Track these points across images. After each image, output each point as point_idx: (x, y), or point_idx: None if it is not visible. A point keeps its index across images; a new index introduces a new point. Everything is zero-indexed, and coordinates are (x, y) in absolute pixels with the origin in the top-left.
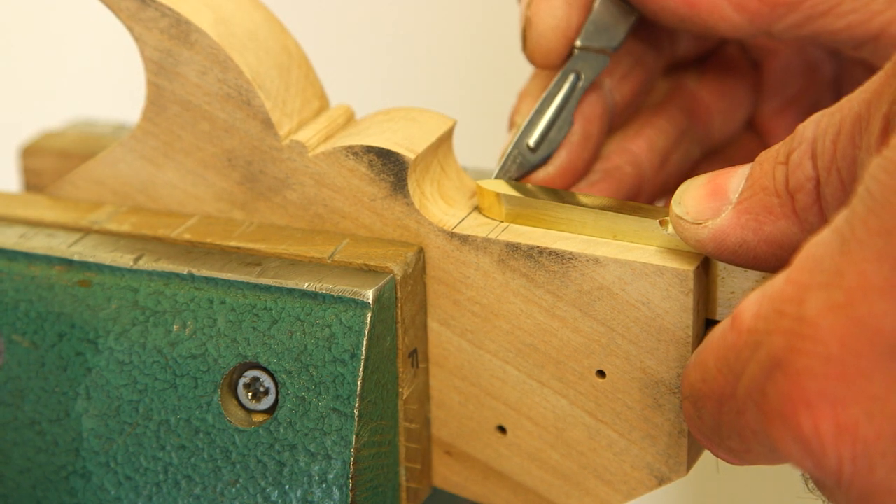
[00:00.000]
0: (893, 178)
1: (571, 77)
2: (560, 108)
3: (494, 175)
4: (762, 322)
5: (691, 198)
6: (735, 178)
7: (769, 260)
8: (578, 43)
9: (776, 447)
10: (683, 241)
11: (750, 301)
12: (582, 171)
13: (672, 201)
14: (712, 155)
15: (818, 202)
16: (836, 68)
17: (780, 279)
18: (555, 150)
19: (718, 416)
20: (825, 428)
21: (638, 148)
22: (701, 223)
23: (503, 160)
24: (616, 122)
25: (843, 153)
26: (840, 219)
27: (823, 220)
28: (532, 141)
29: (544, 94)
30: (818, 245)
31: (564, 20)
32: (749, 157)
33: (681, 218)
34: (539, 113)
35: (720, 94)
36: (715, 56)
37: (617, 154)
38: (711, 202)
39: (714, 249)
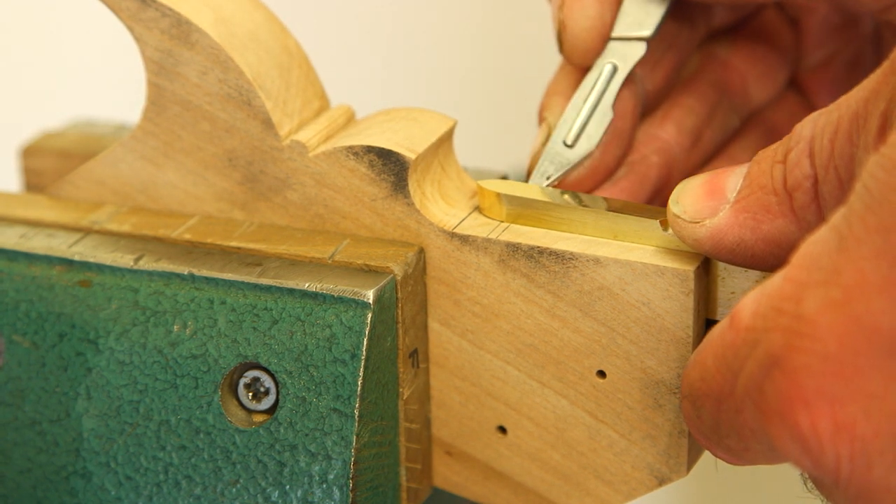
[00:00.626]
0: (891, 176)
1: (607, 68)
2: (596, 101)
3: (530, 176)
4: (760, 320)
5: (689, 197)
6: (733, 178)
7: (767, 259)
8: (613, 33)
9: (774, 445)
10: (681, 240)
11: (748, 299)
12: (614, 168)
13: (670, 200)
14: (753, 119)
15: (816, 200)
16: (875, 23)
17: (778, 277)
18: (595, 144)
19: (717, 414)
20: (823, 426)
21: (666, 133)
22: (699, 222)
23: (540, 159)
24: (647, 108)
25: (840, 151)
26: (838, 216)
27: (821, 218)
28: (569, 138)
29: (579, 88)
30: (816, 243)
31: (598, 19)
32: (792, 117)
33: (678, 217)
34: (574, 107)
35: (754, 59)
36: (748, 21)
37: (644, 143)
38: (709, 201)
39: (712, 248)
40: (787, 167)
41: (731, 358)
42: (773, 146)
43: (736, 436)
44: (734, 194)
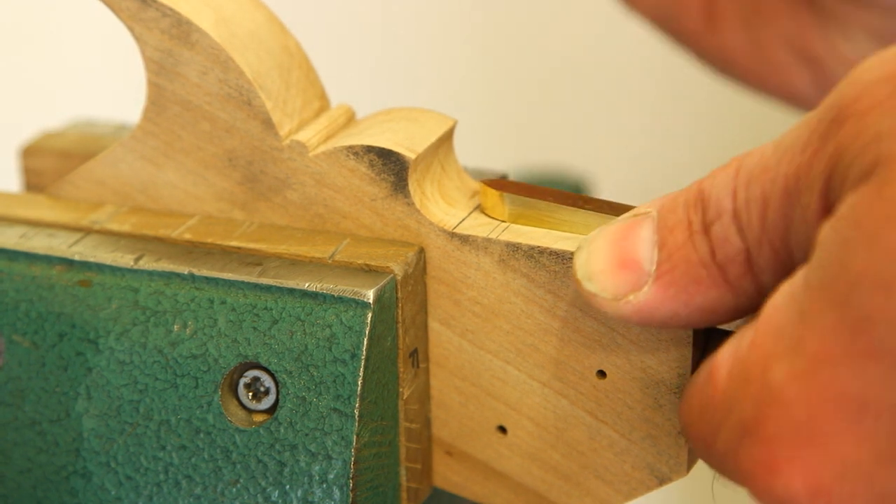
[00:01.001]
0: (843, 252)
1: None
2: None
3: None
4: (733, 384)
5: (601, 273)
6: (642, 246)
7: (702, 324)
8: None
9: (756, 499)
10: (603, 315)
11: (724, 358)
12: None
13: (579, 276)
14: None
15: (751, 271)
16: None
17: (747, 340)
18: None
19: (707, 457)
20: (798, 491)
21: None
22: (621, 299)
23: None
24: None
25: (773, 225)
26: (797, 287)
27: (758, 285)
28: None
29: None
30: (779, 309)
31: None
32: None
33: (597, 296)
34: None
35: None
36: None
37: None
38: (626, 275)
39: (640, 322)
40: (713, 241)
41: (711, 415)
42: (679, 211)
43: (726, 475)
44: (653, 266)
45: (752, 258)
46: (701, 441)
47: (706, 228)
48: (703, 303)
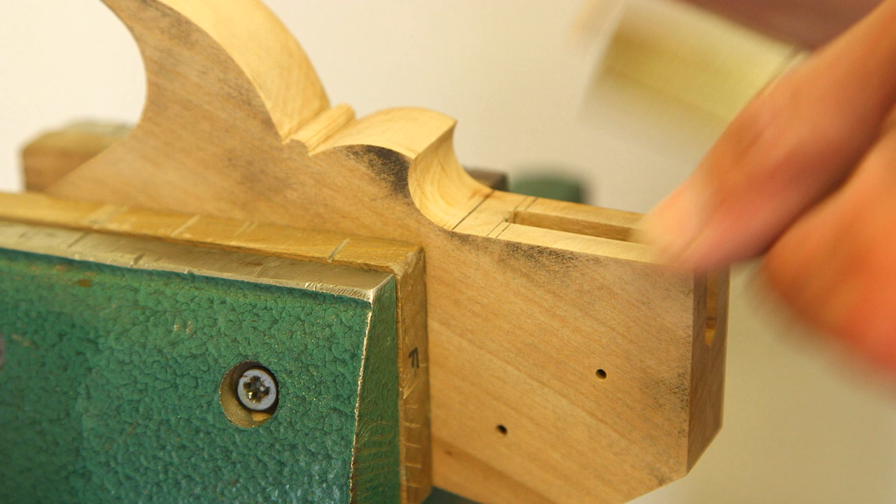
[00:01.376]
0: None
1: None
2: None
3: None
4: (837, 234)
5: (663, 234)
6: (687, 200)
7: (762, 247)
8: None
9: (846, 354)
10: (682, 267)
11: (827, 216)
12: None
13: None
14: None
15: (803, 172)
16: None
17: (849, 193)
18: None
19: (785, 307)
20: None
21: None
22: (683, 248)
23: None
24: None
25: (829, 121)
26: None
27: (818, 184)
28: None
29: None
30: (878, 165)
31: None
32: None
33: (664, 252)
34: None
35: None
36: None
37: None
38: (681, 229)
39: (714, 261)
40: (761, 150)
41: (803, 268)
42: (717, 148)
43: (803, 324)
44: (703, 209)
45: (807, 155)
46: (783, 297)
47: (753, 143)
48: (767, 219)
